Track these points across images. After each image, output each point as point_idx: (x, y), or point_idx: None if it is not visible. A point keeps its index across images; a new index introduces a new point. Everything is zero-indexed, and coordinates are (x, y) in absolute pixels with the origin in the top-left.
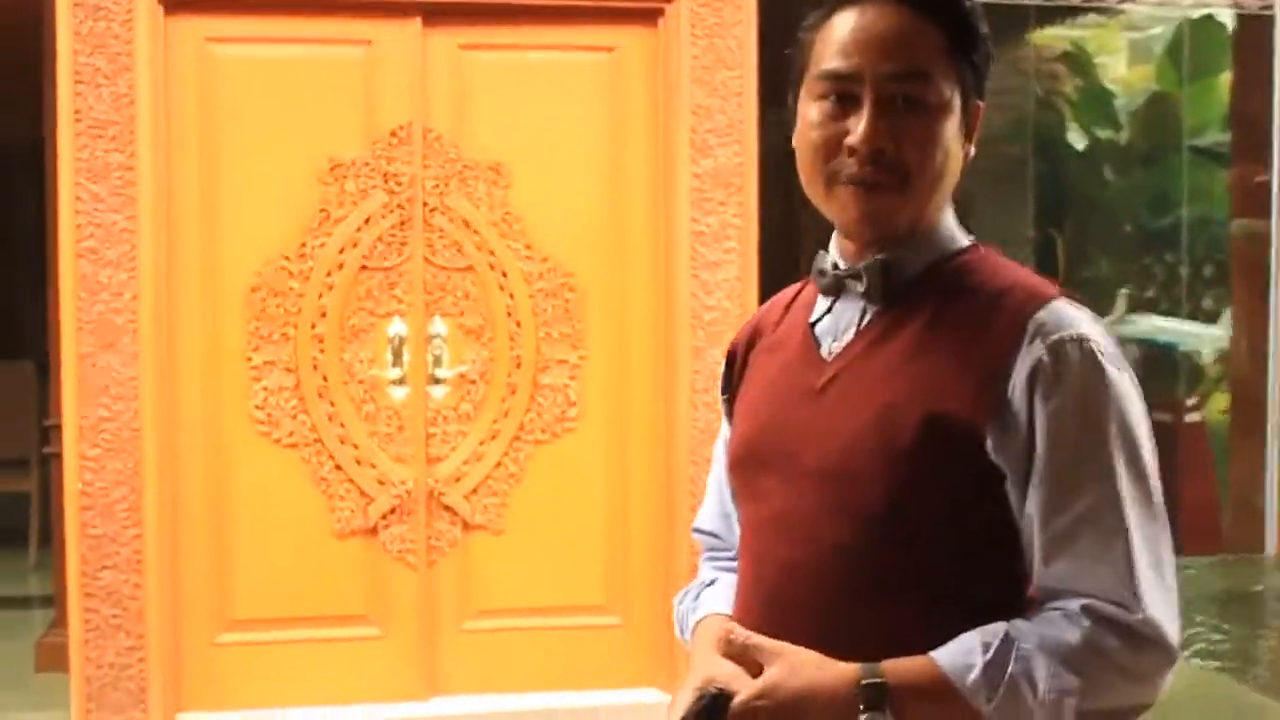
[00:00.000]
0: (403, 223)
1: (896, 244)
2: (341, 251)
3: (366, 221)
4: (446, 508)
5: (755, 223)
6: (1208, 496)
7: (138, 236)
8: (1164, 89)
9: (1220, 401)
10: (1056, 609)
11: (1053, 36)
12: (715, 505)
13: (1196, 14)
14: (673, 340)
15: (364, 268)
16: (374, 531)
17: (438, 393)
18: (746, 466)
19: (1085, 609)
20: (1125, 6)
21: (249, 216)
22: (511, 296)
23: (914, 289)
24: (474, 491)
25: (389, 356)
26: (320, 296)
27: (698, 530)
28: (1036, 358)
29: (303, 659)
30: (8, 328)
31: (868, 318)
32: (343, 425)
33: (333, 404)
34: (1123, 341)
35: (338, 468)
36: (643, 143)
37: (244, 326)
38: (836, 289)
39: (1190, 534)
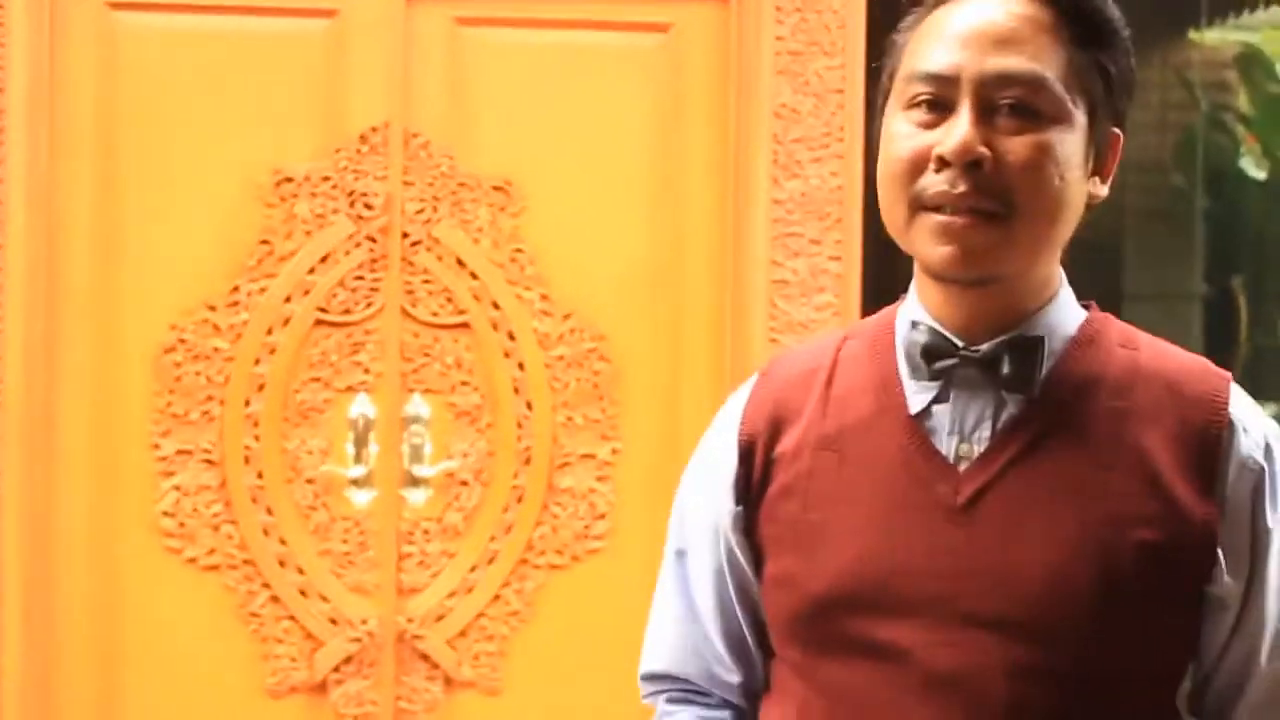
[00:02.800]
0: (374, 261)
1: (1019, 311)
2: (288, 300)
3: (324, 259)
4: (423, 657)
5: (858, 269)
6: None
7: (5, 275)
8: None
9: None
10: None
11: (1218, 40)
12: (687, 641)
13: None
14: None
15: (319, 322)
16: (322, 688)
17: (416, 497)
18: (850, 609)
19: None
20: None
21: (162, 249)
22: (521, 366)
23: (1060, 373)
24: (461, 635)
25: (350, 447)
26: (257, 362)
27: (652, 676)
28: (1257, 466)
29: None
30: None
31: (1009, 412)
32: (283, 541)
33: (270, 511)
34: None
35: (275, 599)
36: (705, 156)
37: (150, 402)
38: (947, 373)
39: None
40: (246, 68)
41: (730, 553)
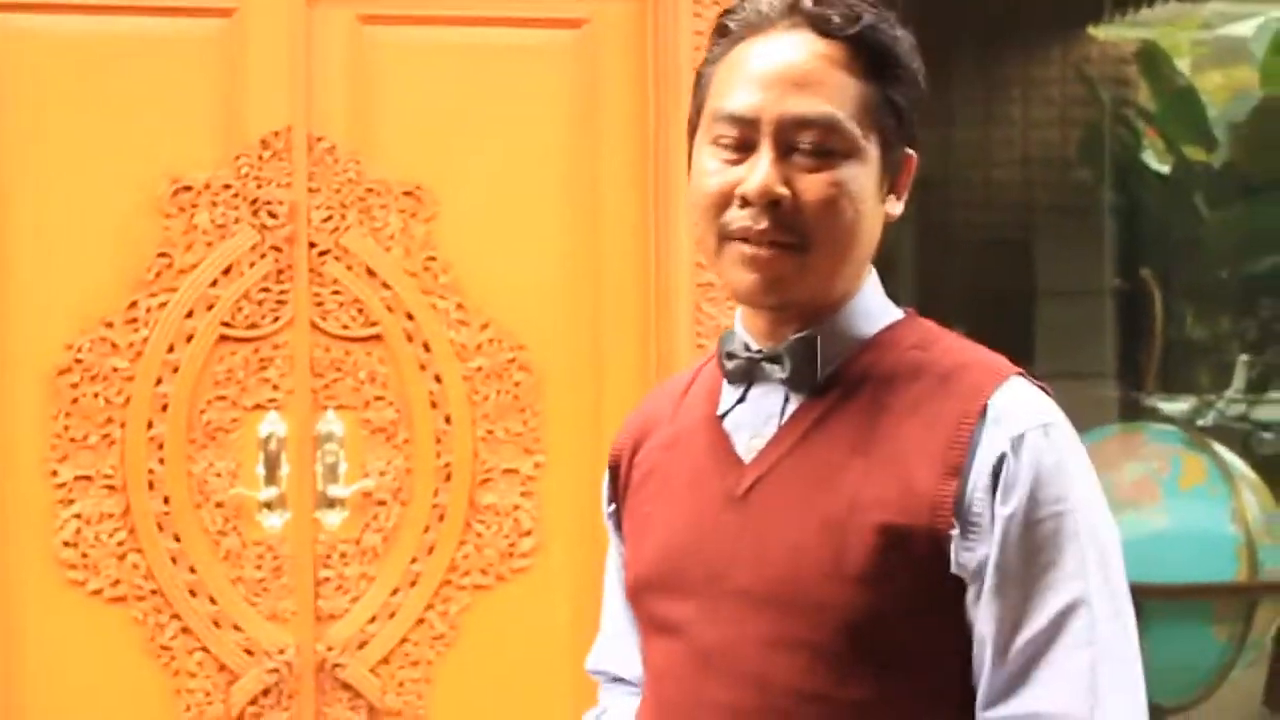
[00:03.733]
0: (280, 272)
1: (816, 319)
2: (190, 315)
3: (227, 271)
4: (345, 686)
5: None
6: None
7: None
8: (1274, 93)
9: None
10: None
11: (1115, 36)
12: (608, 631)
13: None
14: None
15: (224, 338)
16: None
17: (331, 520)
18: (652, 591)
19: None
20: None
21: (54, 264)
22: (438, 379)
23: (845, 372)
24: (384, 662)
25: (260, 468)
26: (159, 381)
27: (595, 671)
28: (999, 452)
29: None
30: None
31: (791, 408)
32: (193, 570)
33: (178, 538)
34: (1257, 428)
35: (186, 631)
36: (624, 155)
37: (46, 426)
38: (748, 375)
39: None
40: (139, 71)
41: (619, 549)
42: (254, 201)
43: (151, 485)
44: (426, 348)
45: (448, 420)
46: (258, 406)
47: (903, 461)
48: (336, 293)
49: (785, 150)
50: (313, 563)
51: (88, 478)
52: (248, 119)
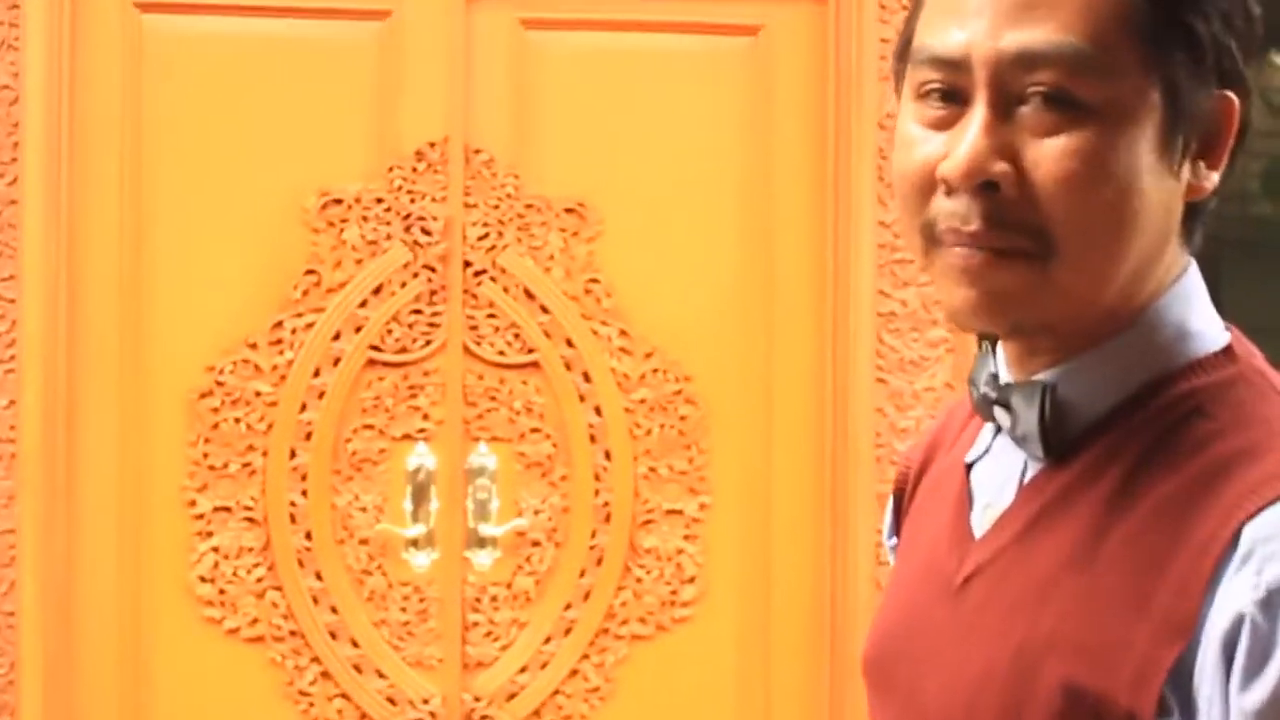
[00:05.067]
0: (433, 292)
1: (1082, 345)
2: (338, 337)
3: (377, 291)
4: None
5: None
6: None
7: (19, 309)
8: None
9: None
10: None
11: None
12: None
13: None
14: (844, 483)
15: (372, 362)
16: None
17: (482, 560)
18: (869, 680)
19: None
20: None
21: (196, 281)
22: (598, 411)
23: (1110, 429)
24: (535, 714)
25: (408, 503)
26: (304, 408)
27: None
28: (1235, 611)
29: None
30: None
31: (1030, 473)
32: (335, 610)
33: (320, 576)
34: None
35: (326, 675)
36: (802, 174)
37: (185, 453)
38: (992, 415)
39: None
40: (289, 77)
41: None
42: (406, 217)
43: (293, 518)
44: (586, 377)
45: (607, 456)
46: (406, 437)
47: (1122, 593)
48: (492, 316)
49: (1010, 103)
50: (461, 606)
51: (227, 509)
52: (402, 129)
